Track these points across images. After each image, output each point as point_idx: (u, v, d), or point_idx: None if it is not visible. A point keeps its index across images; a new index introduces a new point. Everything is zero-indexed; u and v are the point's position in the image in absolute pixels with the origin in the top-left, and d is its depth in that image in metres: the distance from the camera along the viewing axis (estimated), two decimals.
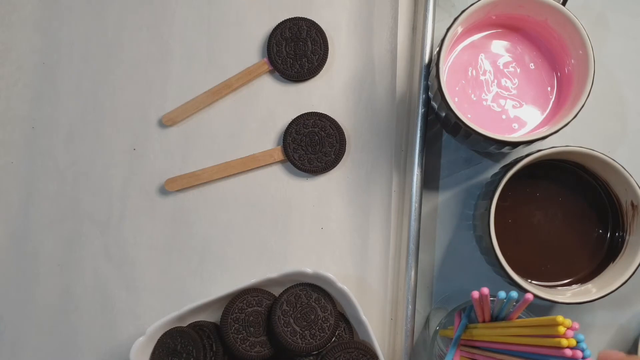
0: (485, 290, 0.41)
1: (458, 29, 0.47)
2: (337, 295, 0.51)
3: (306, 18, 0.56)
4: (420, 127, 0.53)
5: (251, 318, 0.50)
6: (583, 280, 0.49)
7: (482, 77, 0.50)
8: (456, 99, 0.49)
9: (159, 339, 0.50)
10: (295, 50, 0.56)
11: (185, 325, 0.51)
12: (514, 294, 0.40)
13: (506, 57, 0.50)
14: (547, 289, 0.48)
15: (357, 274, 0.54)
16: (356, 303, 0.49)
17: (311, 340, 0.49)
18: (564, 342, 0.37)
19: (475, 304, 0.43)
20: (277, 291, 0.51)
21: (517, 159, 0.47)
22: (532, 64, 0.50)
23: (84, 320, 0.55)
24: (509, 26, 0.50)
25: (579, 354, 0.38)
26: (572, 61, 0.48)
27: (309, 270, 0.50)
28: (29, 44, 0.58)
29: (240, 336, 0.50)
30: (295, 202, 0.55)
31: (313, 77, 0.56)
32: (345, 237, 0.54)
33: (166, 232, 0.55)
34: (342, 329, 0.51)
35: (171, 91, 0.56)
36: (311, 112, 0.55)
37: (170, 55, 0.57)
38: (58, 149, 0.56)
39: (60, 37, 0.57)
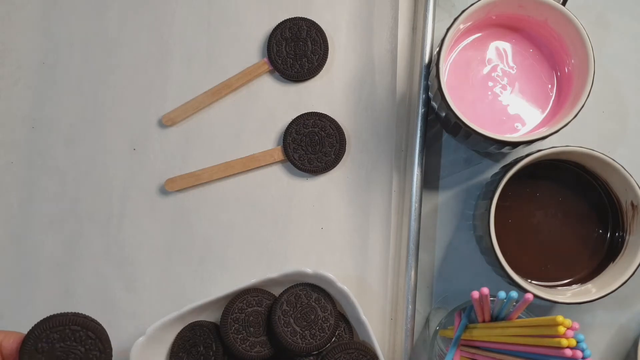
0: (485, 290, 0.41)
1: (458, 28, 0.47)
2: (337, 295, 0.51)
3: (306, 18, 0.56)
4: (420, 127, 0.53)
5: (251, 318, 0.50)
6: (583, 280, 0.49)
7: (482, 77, 0.50)
8: (456, 99, 0.49)
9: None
10: (295, 50, 0.56)
11: (185, 325, 0.51)
12: (514, 294, 0.40)
13: (506, 57, 0.50)
14: (547, 289, 0.48)
15: (357, 274, 0.54)
16: (356, 303, 0.49)
17: (311, 340, 0.49)
18: (564, 342, 0.37)
19: (475, 304, 0.43)
20: (277, 291, 0.51)
21: (517, 159, 0.47)
22: (532, 64, 0.50)
23: None
24: (509, 26, 0.50)
25: (579, 354, 0.38)
26: (572, 61, 0.48)
27: (309, 270, 0.50)
28: (29, 44, 0.57)
29: (240, 336, 0.50)
30: (295, 202, 0.55)
31: (313, 77, 0.56)
32: (345, 237, 0.54)
33: (166, 232, 0.55)
34: (342, 329, 0.51)
35: (171, 91, 0.56)
36: (311, 112, 0.55)
37: (170, 56, 0.57)
38: (58, 149, 0.56)
39: (60, 37, 0.57)
